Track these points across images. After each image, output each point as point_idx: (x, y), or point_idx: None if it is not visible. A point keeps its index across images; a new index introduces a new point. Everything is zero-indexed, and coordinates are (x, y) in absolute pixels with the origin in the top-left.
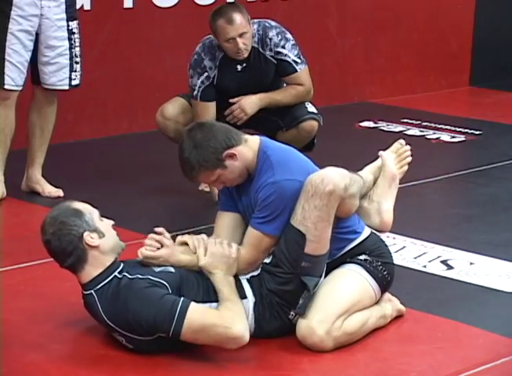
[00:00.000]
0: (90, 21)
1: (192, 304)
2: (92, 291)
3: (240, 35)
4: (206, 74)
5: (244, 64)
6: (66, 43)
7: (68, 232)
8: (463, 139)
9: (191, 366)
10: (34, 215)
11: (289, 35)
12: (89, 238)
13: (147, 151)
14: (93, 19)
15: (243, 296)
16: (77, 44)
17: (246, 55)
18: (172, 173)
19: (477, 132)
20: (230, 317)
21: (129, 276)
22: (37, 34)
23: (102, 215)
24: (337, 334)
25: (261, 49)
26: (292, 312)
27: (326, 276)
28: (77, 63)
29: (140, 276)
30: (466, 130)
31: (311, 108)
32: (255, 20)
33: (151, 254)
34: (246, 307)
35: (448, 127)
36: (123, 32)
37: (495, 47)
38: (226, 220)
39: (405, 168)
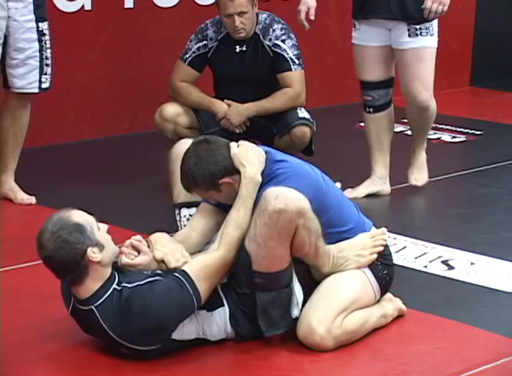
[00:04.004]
0: (91, 21)
1: (190, 272)
2: (92, 307)
3: (239, 14)
4: (204, 42)
5: (243, 47)
6: (36, 45)
7: (71, 250)
8: (464, 139)
9: (191, 366)
10: (34, 215)
11: (293, 35)
12: (92, 254)
13: (148, 151)
14: (94, 20)
15: (220, 304)
16: (48, 45)
17: (243, 35)
18: None
19: (478, 132)
20: (223, 255)
21: (129, 286)
22: (5, 37)
23: (99, 220)
24: (337, 333)
25: (261, 37)
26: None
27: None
28: (47, 65)
29: (140, 283)
30: (466, 130)
31: (302, 113)
32: (268, 12)
33: (130, 262)
34: (224, 315)
35: (448, 127)
36: (124, 32)
37: (496, 47)
38: (204, 211)
39: (374, 256)
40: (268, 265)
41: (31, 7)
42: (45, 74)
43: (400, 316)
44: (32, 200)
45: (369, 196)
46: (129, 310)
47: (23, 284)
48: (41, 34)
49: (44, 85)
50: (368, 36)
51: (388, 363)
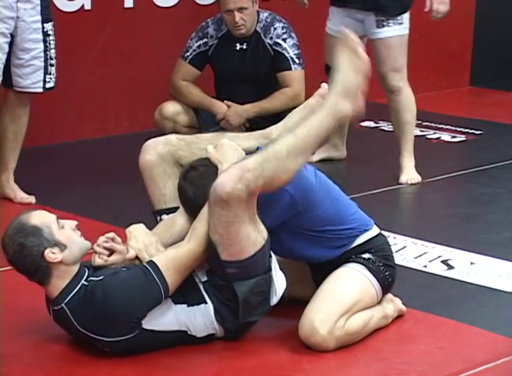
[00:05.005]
0: (90, 21)
1: (159, 262)
2: (63, 305)
3: (239, 9)
4: (205, 39)
5: (244, 45)
6: (41, 45)
7: (28, 253)
8: (464, 138)
9: (190, 365)
10: None
11: (294, 35)
12: (51, 255)
13: None
14: (93, 19)
15: (203, 301)
16: (52, 46)
17: (243, 31)
18: None
19: (478, 132)
20: (192, 248)
21: (96, 279)
22: (12, 36)
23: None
24: (339, 334)
25: (262, 35)
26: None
27: (329, 274)
28: (51, 65)
29: (107, 274)
30: (466, 130)
31: None
32: (269, 11)
33: (102, 263)
34: (207, 312)
35: (448, 127)
36: (123, 32)
37: (495, 47)
38: None
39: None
40: (237, 252)
41: (39, 8)
42: (49, 73)
43: (400, 316)
44: (32, 199)
45: (368, 195)
46: (93, 300)
47: (23, 284)
48: (45, 34)
49: (48, 85)
50: (340, 26)
51: (388, 363)
